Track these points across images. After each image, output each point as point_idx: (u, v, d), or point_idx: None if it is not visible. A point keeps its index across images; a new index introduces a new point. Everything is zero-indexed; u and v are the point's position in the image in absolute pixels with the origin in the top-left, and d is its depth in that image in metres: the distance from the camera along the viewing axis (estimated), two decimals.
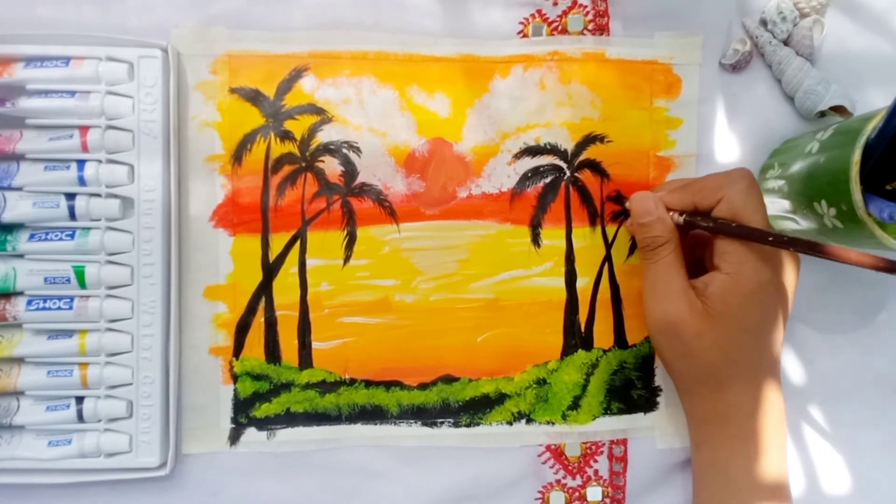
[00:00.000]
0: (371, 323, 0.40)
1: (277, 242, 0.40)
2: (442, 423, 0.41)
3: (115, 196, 0.37)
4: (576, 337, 0.42)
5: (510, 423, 0.41)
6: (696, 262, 0.39)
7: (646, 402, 0.42)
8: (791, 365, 0.43)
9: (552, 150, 0.41)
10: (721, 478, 0.37)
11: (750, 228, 0.34)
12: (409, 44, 0.40)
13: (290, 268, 0.40)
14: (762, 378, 0.37)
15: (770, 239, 0.33)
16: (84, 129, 0.37)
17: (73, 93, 0.37)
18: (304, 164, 0.40)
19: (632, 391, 0.42)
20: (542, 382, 0.41)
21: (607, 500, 0.42)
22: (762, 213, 0.35)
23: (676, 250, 0.37)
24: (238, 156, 0.39)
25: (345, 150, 0.40)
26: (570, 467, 0.42)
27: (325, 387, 0.40)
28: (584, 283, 0.42)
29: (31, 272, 0.37)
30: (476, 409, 0.41)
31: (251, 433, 0.40)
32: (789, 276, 0.37)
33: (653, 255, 0.37)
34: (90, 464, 0.37)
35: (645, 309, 0.37)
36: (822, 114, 0.42)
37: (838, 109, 0.41)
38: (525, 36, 0.41)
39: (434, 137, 0.41)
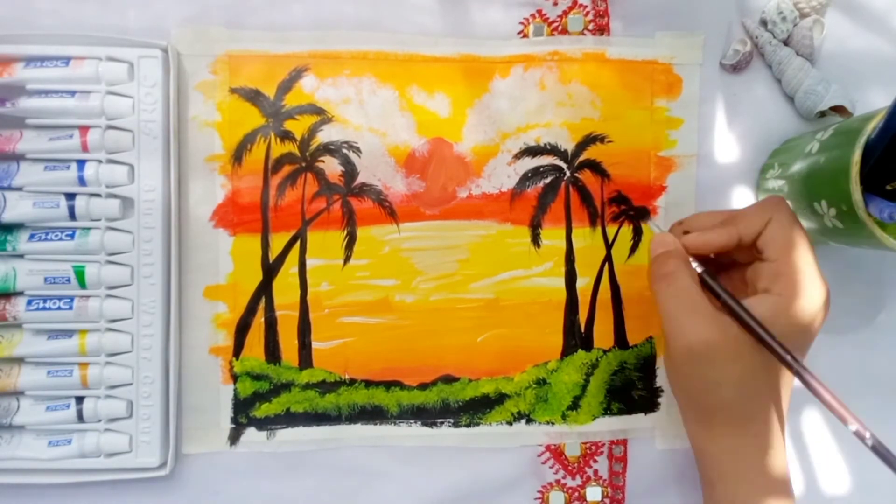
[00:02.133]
0: (371, 323, 0.40)
1: (277, 242, 0.40)
2: (442, 423, 0.41)
3: (115, 196, 0.37)
4: (576, 337, 0.42)
5: (510, 423, 0.41)
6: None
7: (646, 402, 0.42)
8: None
9: (552, 150, 0.41)
10: None
11: (755, 321, 0.32)
12: (409, 44, 0.40)
13: (290, 268, 0.40)
14: (785, 403, 0.35)
15: (765, 339, 0.32)
16: (84, 129, 0.37)
17: (73, 93, 0.37)
18: (304, 164, 0.40)
19: (632, 391, 0.42)
20: (542, 382, 0.41)
21: (607, 501, 0.42)
22: (805, 234, 0.34)
23: (694, 277, 0.34)
24: (238, 156, 0.39)
25: (345, 150, 0.40)
26: (569, 467, 0.42)
27: (325, 387, 0.40)
28: (584, 284, 0.42)
29: (31, 272, 0.37)
30: (476, 409, 0.41)
31: (251, 433, 0.40)
32: (827, 305, 0.34)
33: (669, 278, 0.34)
34: (90, 464, 0.37)
35: (674, 332, 0.34)
36: (822, 114, 0.42)
37: (838, 109, 0.41)
38: (525, 36, 0.41)
39: (434, 137, 0.41)
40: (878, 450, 0.30)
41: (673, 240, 0.36)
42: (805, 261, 0.33)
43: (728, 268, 0.38)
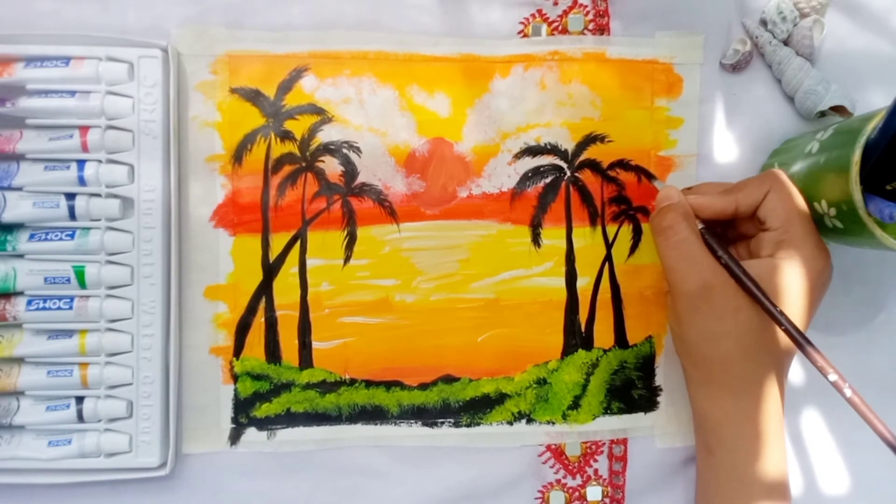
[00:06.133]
0: (371, 323, 0.40)
1: (278, 242, 0.40)
2: (442, 423, 0.41)
3: (115, 196, 0.37)
4: (576, 337, 0.42)
5: (510, 423, 0.41)
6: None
7: (646, 401, 0.42)
8: (791, 365, 0.43)
9: (552, 149, 0.41)
10: (737, 482, 0.35)
11: (748, 276, 0.34)
12: (409, 43, 0.40)
13: (290, 268, 0.40)
14: (783, 374, 0.36)
15: (768, 305, 0.33)
16: (84, 129, 0.37)
17: (73, 93, 0.37)
18: (304, 164, 0.40)
19: (632, 391, 0.42)
20: (542, 382, 0.41)
21: (607, 500, 0.42)
22: (804, 203, 0.35)
23: (695, 230, 0.35)
24: (238, 156, 0.39)
25: (345, 150, 0.40)
26: (570, 467, 0.42)
27: (325, 387, 0.40)
28: (584, 283, 0.42)
29: (31, 272, 0.36)
30: (476, 409, 0.41)
31: (251, 433, 0.40)
32: (829, 275, 0.36)
33: (669, 231, 0.35)
34: (90, 464, 0.37)
35: (675, 280, 0.35)
36: (822, 114, 0.42)
37: (838, 109, 0.41)
38: (525, 36, 0.41)
39: (434, 137, 0.41)
40: (855, 402, 0.31)
41: (677, 192, 0.37)
42: (805, 229, 0.35)
43: (735, 241, 0.39)
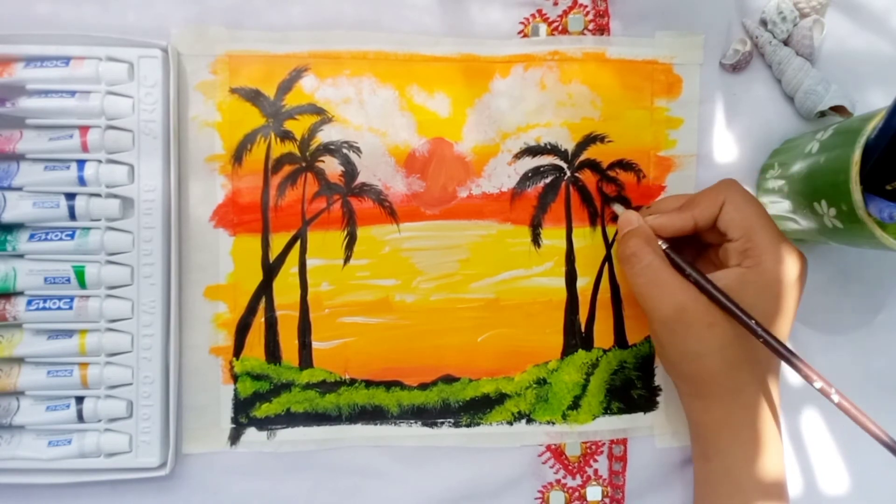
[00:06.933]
0: (371, 323, 0.40)
1: (278, 242, 0.40)
2: (442, 423, 0.41)
3: (115, 196, 0.37)
4: (576, 337, 0.42)
5: (510, 423, 0.41)
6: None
7: (646, 401, 0.42)
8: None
9: (552, 149, 0.41)
10: (733, 488, 0.35)
11: (716, 289, 0.34)
12: (409, 43, 0.40)
13: (290, 268, 0.40)
14: (774, 377, 0.36)
15: (739, 314, 0.33)
16: (84, 129, 0.37)
17: (73, 93, 0.37)
18: (304, 164, 0.40)
19: (632, 391, 0.42)
20: (542, 382, 0.41)
21: (607, 500, 0.42)
22: (762, 209, 0.35)
23: (658, 253, 0.36)
24: (238, 156, 0.39)
25: (345, 150, 0.40)
26: (570, 467, 0.42)
27: (325, 387, 0.40)
28: (584, 283, 0.42)
29: (31, 272, 0.36)
30: (476, 409, 0.41)
31: (251, 433, 0.40)
32: (803, 273, 0.36)
33: (633, 258, 0.36)
34: (90, 464, 0.37)
35: (647, 306, 0.35)
36: (822, 114, 0.42)
37: (838, 109, 0.41)
38: (525, 36, 0.41)
39: (434, 137, 0.41)
40: (844, 407, 0.31)
41: (637, 217, 0.37)
42: (768, 235, 0.34)
43: (705, 249, 0.39)
